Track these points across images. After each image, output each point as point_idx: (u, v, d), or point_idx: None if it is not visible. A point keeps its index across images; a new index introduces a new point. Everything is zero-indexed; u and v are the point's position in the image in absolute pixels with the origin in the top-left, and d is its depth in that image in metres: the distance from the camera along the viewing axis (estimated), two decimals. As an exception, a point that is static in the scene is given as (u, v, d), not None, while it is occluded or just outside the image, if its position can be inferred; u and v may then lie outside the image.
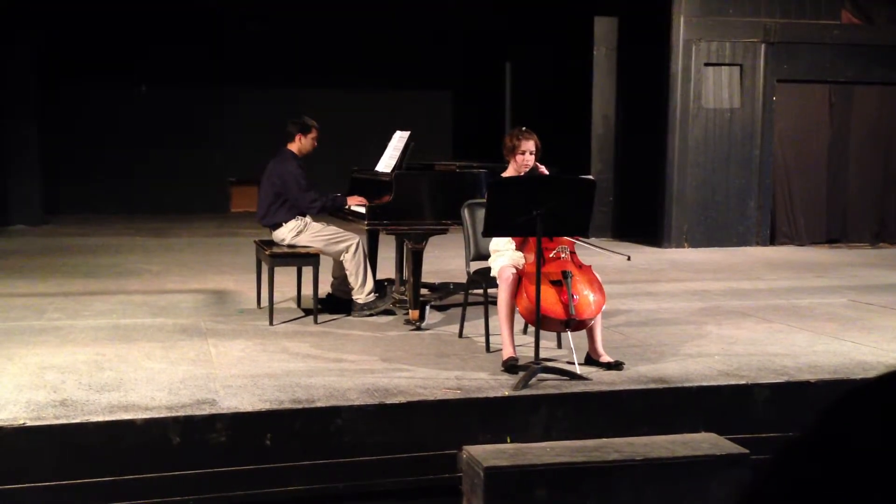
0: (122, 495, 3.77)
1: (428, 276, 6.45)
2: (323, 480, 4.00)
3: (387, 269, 6.78)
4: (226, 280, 7.42)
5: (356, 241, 5.99)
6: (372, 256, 6.40)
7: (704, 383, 4.50)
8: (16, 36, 11.13)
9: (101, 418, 3.81)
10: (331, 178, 8.43)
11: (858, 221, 10.72)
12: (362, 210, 5.86)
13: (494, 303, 4.84)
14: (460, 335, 5.45)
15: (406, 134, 6.17)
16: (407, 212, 5.74)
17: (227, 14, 13.14)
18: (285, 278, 6.39)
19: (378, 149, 6.49)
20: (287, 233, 6.04)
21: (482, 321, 5.18)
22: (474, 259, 5.31)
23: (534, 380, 4.36)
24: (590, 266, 4.72)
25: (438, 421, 4.14)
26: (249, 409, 3.97)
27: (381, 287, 6.23)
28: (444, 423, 4.14)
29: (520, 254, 4.76)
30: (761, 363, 4.86)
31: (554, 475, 3.91)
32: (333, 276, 6.29)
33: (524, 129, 4.95)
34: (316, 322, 5.77)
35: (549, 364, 4.58)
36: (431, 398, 4.17)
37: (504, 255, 4.85)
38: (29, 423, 3.73)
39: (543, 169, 5.01)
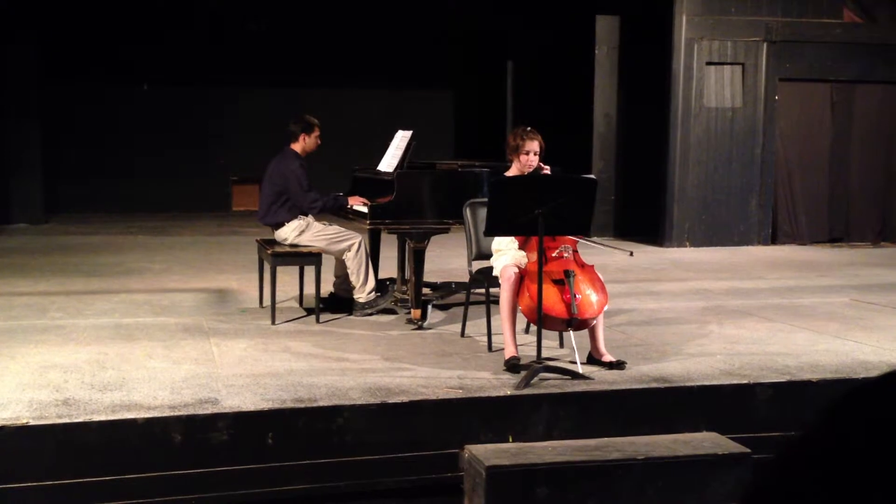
0: (125, 494, 3.77)
1: (430, 275, 6.45)
2: (325, 479, 4.01)
3: (389, 268, 6.79)
4: (228, 279, 7.43)
5: (358, 240, 6.00)
6: (374, 256, 6.40)
7: (706, 382, 4.50)
8: (16, 35, 11.14)
9: (103, 417, 3.82)
10: (332, 177, 8.42)
11: (860, 220, 10.72)
12: (364, 209, 5.86)
13: (496, 302, 4.84)
14: (462, 334, 5.45)
15: (408, 133, 6.17)
16: (409, 211, 5.74)
17: (229, 13, 13.14)
18: (287, 277, 6.40)
19: (380, 148, 6.49)
20: (289, 232, 6.04)
21: (484, 320, 5.18)
22: (476, 258, 5.32)
23: (536, 379, 4.36)
24: (592, 265, 4.72)
25: (440, 420, 4.14)
26: (251, 408, 3.98)
27: (382, 286, 6.23)
28: (446, 422, 4.15)
29: (522, 253, 4.76)
30: (763, 362, 4.86)
31: (556, 474, 3.91)
32: (335, 276, 6.29)
33: (529, 128, 4.94)
34: (318, 321, 5.77)
35: (551, 363, 4.58)
36: (433, 397, 4.18)
37: (506, 254, 4.85)
38: (31, 423, 3.74)
39: (547, 169, 5.01)
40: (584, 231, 4.71)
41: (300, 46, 13.45)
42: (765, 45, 10.08)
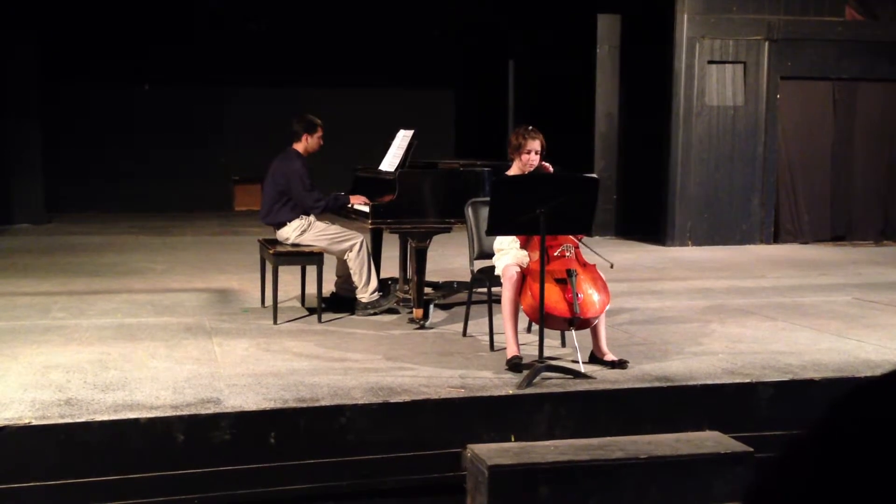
0: (127, 494, 3.78)
1: (432, 274, 6.45)
2: (327, 479, 4.01)
3: (390, 267, 6.79)
4: (230, 279, 7.43)
5: (360, 239, 6.00)
6: (376, 255, 6.40)
7: (708, 381, 4.50)
8: (17, 35, 11.14)
9: (105, 417, 3.82)
10: (334, 176, 8.43)
11: (863, 219, 10.71)
12: (366, 209, 5.86)
13: (498, 301, 4.84)
14: (464, 334, 5.45)
15: (410, 133, 6.17)
16: (410, 210, 5.74)
17: (230, 13, 13.14)
18: (289, 277, 6.40)
19: (381, 148, 6.49)
20: (291, 232, 6.04)
21: (486, 320, 5.18)
22: (478, 257, 5.31)
23: (538, 378, 4.36)
24: (594, 264, 4.72)
25: (442, 419, 4.14)
26: (254, 407, 3.98)
27: (384, 286, 6.23)
28: (448, 421, 4.15)
29: (524, 252, 4.76)
30: (765, 361, 4.86)
31: (558, 473, 3.91)
32: (337, 275, 6.29)
33: (530, 127, 4.93)
34: (320, 321, 5.78)
35: (553, 363, 4.58)
36: (435, 397, 4.18)
37: (508, 253, 4.85)
38: (34, 422, 3.74)
39: (549, 168, 5.01)
40: (586, 230, 4.71)
41: (301, 46, 13.45)
42: (766, 43, 10.07)
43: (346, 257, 6.04)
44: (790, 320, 6.00)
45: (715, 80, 10.05)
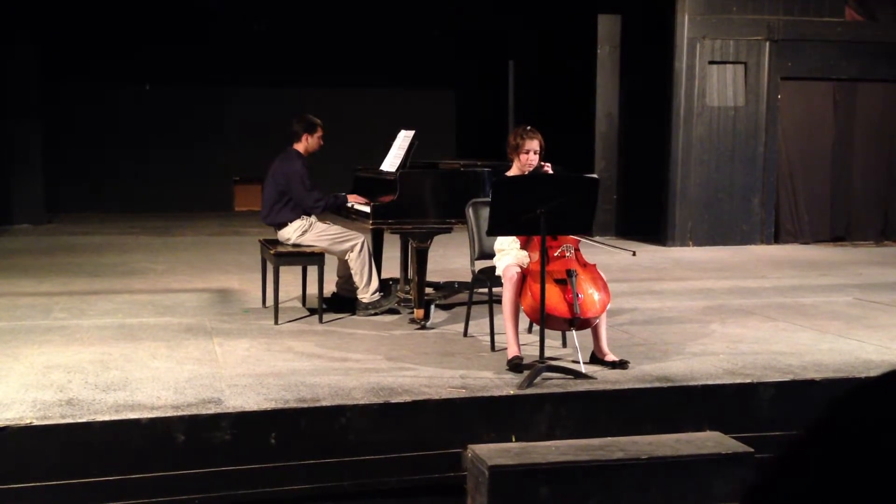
0: (128, 494, 3.78)
1: (432, 275, 6.45)
2: (328, 479, 4.01)
3: (391, 268, 6.79)
4: (230, 279, 7.43)
5: (361, 240, 6.00)
6: (377, 255, 6.41)
7: (709, 382, 4.50)
8: (17, 35, 11.15)
9: (106, 417, 3.83)
10: (334, 177, 8.43)
11: (863, 219, 10.71)
12: (367, 209, 5.86)
13: (499, 302, 4.84)
14: (465, 334, 5.45)
15: (411, 133, 6.18)
16: (411, 211, 5.75)
17: (231, 13, 13.15)
18: (290, 277, 6.40)
19: (382, 148, 6.50)
20: (292, 232, 6.05)
21: (487, 320, 5.18)
22: (479, 258, 5.32)
23: (538, 379, 4.36)
24: (594, 265, 4.72)
25: (443, 420, 4.15)
26: (254, 408, 3.98)
27: (385, 286, 6.23)
28: (449, 421, 4.15)
29: (524, 252, 4.77)
30: (766, 362, 4.86)
31: (558, 474, 3.91)
32: (338, 276, 6.30)
33: (529, 127, 4.94)
34: (321, 321, 5.78)
35: (554, 363, 4.58)
36: (436, 397, 4.18)
37: (508, 253, 4.85)
38: (35, 423, 3.75)
39: (548, 168, 5.01)
40: (587, 230, 4.71)
41: (302, 46, 13.46)
42: (767, 43, 10.07)
43: (347, 258, 6.04)
44: (791, 320, 6.00)
45: (715, 81, 10.06)
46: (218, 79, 13.40)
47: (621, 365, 4.66)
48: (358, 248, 5.98)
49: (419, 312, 5.71)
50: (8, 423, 3.72)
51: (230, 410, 3.94)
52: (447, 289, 6.49)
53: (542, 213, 4.37)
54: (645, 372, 4.63)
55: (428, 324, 5.71)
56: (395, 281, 6.52)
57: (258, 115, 13.19)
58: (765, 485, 0.64)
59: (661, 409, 4.37)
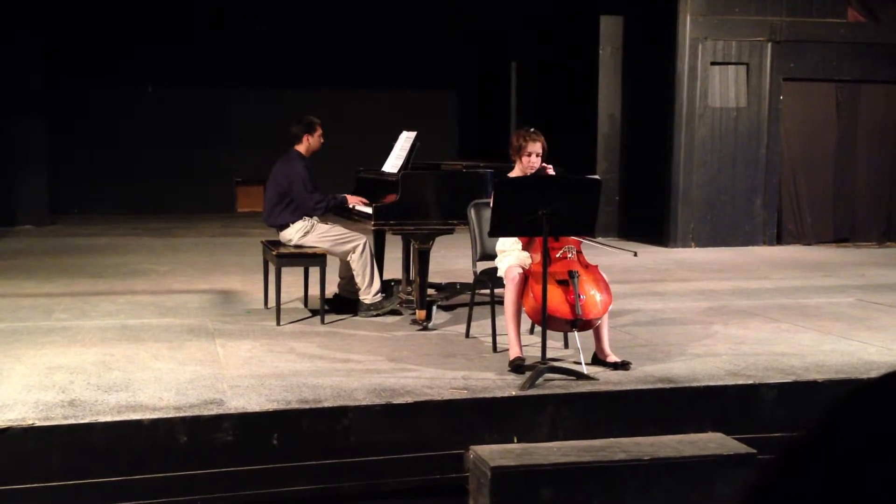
0: (130, 495, 3.78)
1: (434, 276, 6.45)
2: (330, 480, 4.01)
3: (393, 269, 6.79)
4: (233, 280, 7.44)
5: (363, 241, 6.00)
6: (379, 257, 6.41)
7: (711, 383, 4.50)
8: (20, 36, 11.16)
9: (108, 418, 3.83)
10: (336, 178, 8.43)
11: (866, 220, 10.70)
12: (369, 210, 5.87)
13: (501, 303, 4.84)
14: (467, 335, 5.45)
15: (412, 134, 6.18)
16: (413, 212, 5.75)
17: (233, 14, 13.16)
18: (292, 279, 6.40)
19: (384, 149, 6.50)
20: (294, 233, 6.05)
21: (489, 321, 5.18)
22: (481, 259, 5.32)
23: (540, 380, 4.36)
24: (596, 266, 4.72)
25: (445, 421, 4.15)
26: (256, 409, 3.98)
27: (387, 287, 6.23)
28: (451, 422, 4.15)
29: (526, 254, 4.76)
30: (768, 363, 4.86)
31: (560, 475, 3.91)
32: (340, 277, 6.29)
33: (532, 129, 4.94)
34: (323, 322, 5.78)
35: (556, 364, 4.58)
36: (438, 398, 4.18)
37: (510, 254, 4.85)
38: (37, 424, 3.75)
39: (550, 170, 5.01)
40: (589, 231, 4.71)
41: (304, 48, 13.47)
42: (769, 44, 10.06)
43: (349, 259, 6.04)
44: (793, 322, 6.00)
45: (717, 82, 10.05)
46: (220, 80, 13.41)
47: (623, 366, 4.66)
48: (360, 249, 5.98)
49: (421, 313, 5.71)
50: (10, 423, 3.72)
51: (232, 411, 3.94)
52: (449, 290, 6.49)
53: (544, 215, 4.36)
54: (647, 373, 4.62)
55: (430, 325, 5.71)
56: (397, 282, 6.52)
57: (260, 116, 13.20)
58: (766, 487, 0.64)
59: (664, 410, 4.36)
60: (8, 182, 11.26)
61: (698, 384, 4.48)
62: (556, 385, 4.38)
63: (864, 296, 7.02)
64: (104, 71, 12.87)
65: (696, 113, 9.98)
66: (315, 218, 6.11)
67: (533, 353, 4.66)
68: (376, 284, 6.01)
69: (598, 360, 4.72)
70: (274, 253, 5.91)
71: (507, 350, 4.74)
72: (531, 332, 5.37)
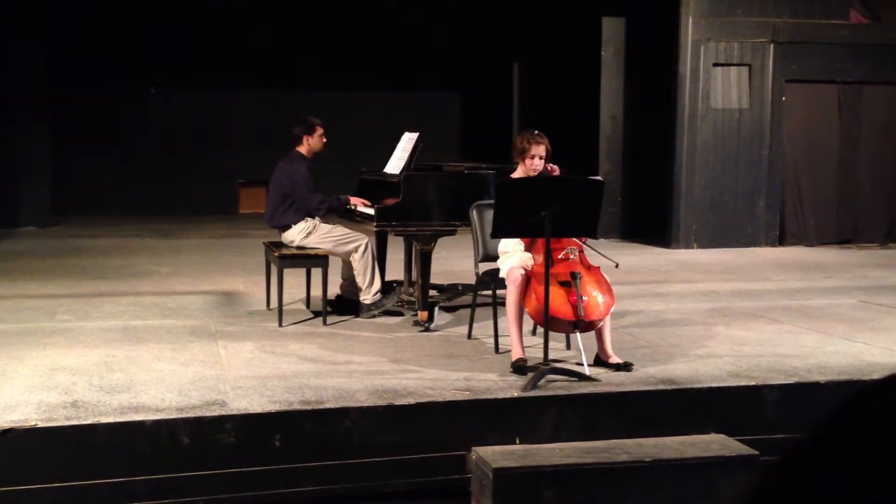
0: (132, 496, 3.78)
1: (436, 277, 6.45)
2: (332, 481, 4.01)
3: (395, 270, 6.79)
4: (235, 281, 7.44)
5: (365, 241, 6.00)
6: (380, 257, 6.41)
7: (714, 384, 4.49)
8: (23, 38, 11.17)
9: (111, 419, 3.83)
10: (339, 179, 8.43)
11: (869, 222, 10.68)
12: (371, 211, 5.87)
13: (503, 304, 4.84)
14: (469, 336, 5.45)
15: (415, 135, 6.18)
16: (415, 213, 5.75)
17: (235, 16, 13.17)
18: (294, 280, 6.41)
19: (386, 150, 6.50)
20: (296, 234, 6.05)
21: (491, 322, 5.18)
22: (483, 260, 5.32)
23: (543, 381, 4.36)
24: (598, 267, 4.72)
25: (447, 422, 4.14)
26: (259, 410, 3.98)
27: (388, 287, 6.24)
28: (453, 424, 4.15)
29: (528, 255, 4.76)
30: (771, 364, 4.85)
31: (563, 476, 3.91)
32: (342, 278, 6.30)
33: (536, 132, 4.94)
34: (325, 323, 5.78)
35: (558, 365, 4.58)
36: (440, 399, 4.18)
37: (512, 256, 4.85)
38: (40, 425, 3.75)
39: (556, 170, 5.01)
40: (591, 233, 4.71)
41: (306, 49, 13.47)
42: (771, 46, 10.06)
43: (350, 259, 6.04)
44: (796, 323, 5.99)
45: (720, 83, 10.04)
46: (223, 82, 13.42)
47: (625, 367, 4.66)
48: (361, 249, 5.99)
49: (423, 314, 5.71)
50: (13, 424, 3.73)
51: (234, 412, 3.94)
52: (451, 291, 6.49)
53: (547, 216, 4.36)
54: (649, 374, 4.62)
55: (432, 326, 5.71)
56: (399, 283, 6.52)
57: (263, 117, 13.19)
58: (768, 489, 0.64)
59: (666, 411, 4.36)
60: (11, 183, 11.28)
61: (701, 385, 4.48)
62: (558, 386, 4.37)
63: (866, 297, 7.01)
64: (107, 72, 12.88)
65: (699, 114, 9.97)
66: (317, 219, 6.12)
67: (535, 354, 4.66)
68: (376, 285, 6.02)
69: (600, 361, 4.72)
70: (276, 254, 5.91)
71: (510, 351, 4.74)
72: (533, 333, 5.37)
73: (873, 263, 9.10)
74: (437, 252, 5.99)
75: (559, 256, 4.62)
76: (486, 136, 13.73)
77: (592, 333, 4.67)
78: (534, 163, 4.87)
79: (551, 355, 4.52)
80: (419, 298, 5.75)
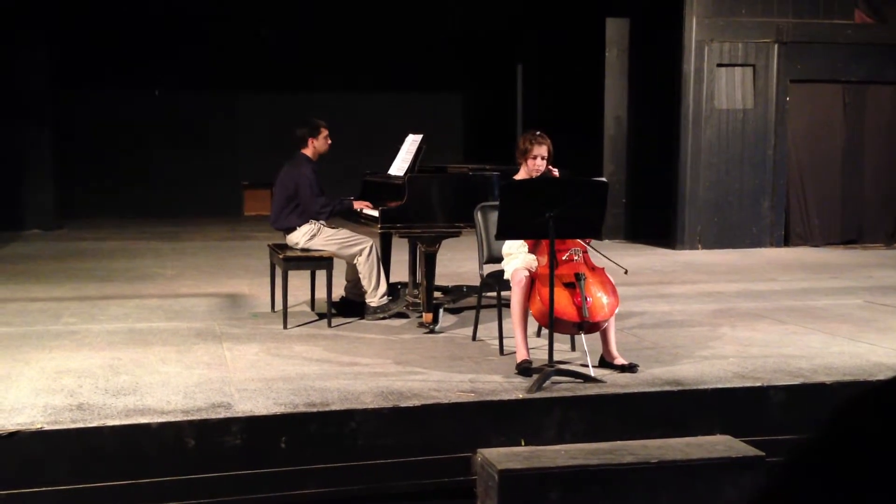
0: (138, 499, 3.79)
1: (441, 278, 6.45)
2: (337, 483, 4.01)
3: (400, 272, 6.79)
4: (240, 284, 7.45)
5: (369, 244, 6.01)
6: (385, 259, 6.41)
7: (719, 385, 4.49)
8: (27, 39, 11.19)
9: (117, 422, 3.84)
10: (342, 181, 8.44)
11: (873, 222, 10.66)
12: (375, 213, 5.87)
13: (508, 305, 4.84)
14: (474, 338, 5.45)
15: (419, 137, 6.18)
16: (420, 215, 5.75)
17: (239, 18, 13.19)
18: (299, 282, 6.41)
19: (390, 152, 6.50)
20: (300, 237, 6.06)
21: (495, 324, 5.18)
22: (487, 262, 5.32)
23: (548, 382, 4.35)
24: (602, 268, 4.72)
25: (452, 424, 4.15)
26: (264, 412, 3.99)
27: (393, 290, 6.24)
28: (458, 425, 4.15)
29: (532, 256, 4.76)
30: (776, 365, 4.84)
31: (568, 478, 3.91)
32: (347, 280, 6.30)
33: (538, 133, 4.94)
34: (329, 325, 5.79)
35: (563, 366, 4.58)
36: (445, 401, 4.18)
37: (517, 257, 4.86)
38: (46, 427, 3.76)
39: (555, 172, 5.02)
40: (596, 234, 4.70)
41: (310, 51, 13.49)
42: (776, 46, 10.05)
43: (355, 262, 6.05)
44: (801, 324, 5.98)
45: (724, 84, 10.04)
46: (227, 84, 13.44)
47: (630, 368, 4.65)
48: (366, 252, 5.99)
49: (428, 316, 5.71)
50: (19, 427, 3.74)
51: (240, 415, 3.95)
52: (456, 293, 6.49)
53: (551, 217, 4.36)
54: (654, 375, 4.62)
55: (437, 328, 5.71)
56: (404, 285, 6.52)
57: (267, 119, 13.22)
58: (775, 490, 0.64)
59: (671, 412, 4.36)
60: (16, 186, 11.29)
61: (706, 386, 4.47)
62: (563, 388, 4.37)
63: (872, 297, 7.00)
64: (111, 74, 12.90)
65: (703, 115, 9.96)
66: (321, 221, 6.12)
67: (540, 355, 4.66)
68: (382, 287, 6.02)
69: (605, 362, 4.71)
70: (280, 256, 5.92)
71: (514, 353, 4.74)
72: (538, 334, 5.36)
73: (878, 264, 9.08)
74: (441, 254, 5.99)
75: (563, 258, 4.62)
76: (489, 137, 13.73)
77: (597, 335, 4.67)
78: (536, 163, 4.88)
79: (556, 357, 4.51)
80: (424, 300, 5.75)
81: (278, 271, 6.06)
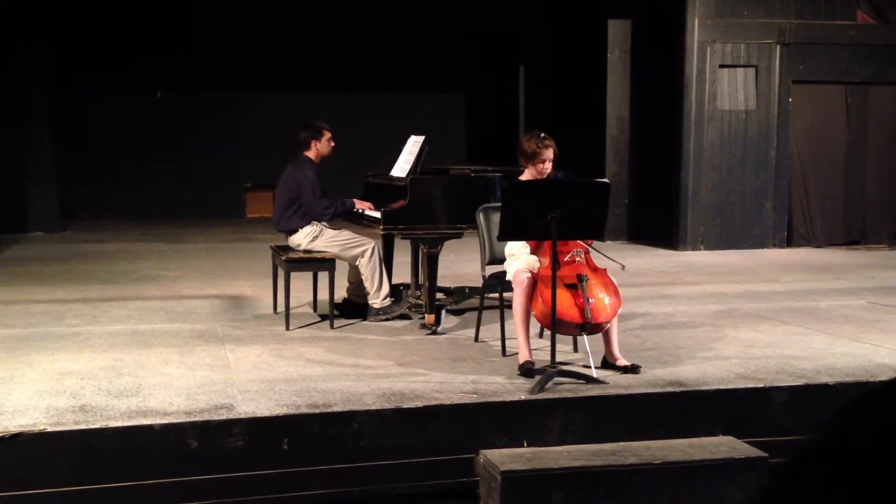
0: (141, 500, 3.79)
1: (443, 280, 6.45)
2: (340, 485, 4.01)
3: (402, 273, 6.79)
4: (242, 285, 7.45)
5: (371, 245, 6.01)
6: (387, 261, 6.41)
7: (722, 386, 4.49)
8: (30, 41, 11.21)
9: (119, 423, 3.84)
10: (344, 182, 8.44)
11: (876, 222, 10.65)
12: (377, 215, 5.88)
13: (510, 307, 4.84)
14: (476, 339, 5.45)
15: (421, 139, 6.19)
16: (422, 216, 5.75)
17: (241, 19, 13.20)
18: (301, 283, 6.42)
19: (392, 153, 6.50)
20: (303, 238, 6.06)
21: (498, 325, 5.18)
22: (489, 263, 5.32)
23: (550, 383, 4.35)
24: (605, 269, 4.72)
25: (455, 425, 4.14)
26: (266, 413, 3.99)
27: (396, 291, 6.24)
28: (461, 427, 4.15)
29: (535, 257, 4.76)
30: (779, 366, 4.84)
31: (571, 479, 3.90)
32: (349, 281, 6.30)
33: (543, 135, 4.93)
34: (332, 327, 5.79)
35: (566, 368, 4.58)
36: (448, 402, 4.18)
37: (519, 258, 4.85)
38: (49, 429, 3.76)
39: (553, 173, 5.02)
40: (598, 235, 4.70)
41: (312, 52, 13.49)
42: (778, 47, 10.04)
43: (357, 263, 6.05)
44: (804, 324, 5.98)
45: (726, 84, 10.03)
46: (229, 85, 13.45)
47: (633, 369, 4.65)
48: (368, 253, 5.99)
49: (430, 318, 5.71)
50: (22, 429, 3.74)
51: (242, 416, 3.95)
52: (458, 294, 6.49)
53: (553, 219, 4.36)
54: (657, 376, 4.61)
55: (439, 329, 5.71)
56: (406, 286, 6.52)
57: (269, 121, 13.22)
58: (777, 491, 0.64)
59: (674, 413, 4.35)
60: (18, 189, 11.31)
61: (708, 387, 4.47)
62: (565, 389, 4.37)
63: (874, 298, 6.99)
64: (113, 77, 12.91)
65: (705, 116, 9.96)
66: (324, 223, 6.12)
67: (542, 356, 4.66)
68: (385, 289, 6.02)
69: (607, 363, 4.71)
70: (283, 258, 5.92)
71: (517, 354, 4.74)
72: (540, 335, 5.36)
73: (881, 264, 9.07)
74: (443, 255, 5.99)
75: (565, 259, 4.62)
76: (492, 138, 13.73)
77: (600, 336, 4.67)
78: (545, 167, 4.89)
79: (558, 358, 4.51)
80: (426, 301, 5.75)
81: (281, 273, 6.06)
